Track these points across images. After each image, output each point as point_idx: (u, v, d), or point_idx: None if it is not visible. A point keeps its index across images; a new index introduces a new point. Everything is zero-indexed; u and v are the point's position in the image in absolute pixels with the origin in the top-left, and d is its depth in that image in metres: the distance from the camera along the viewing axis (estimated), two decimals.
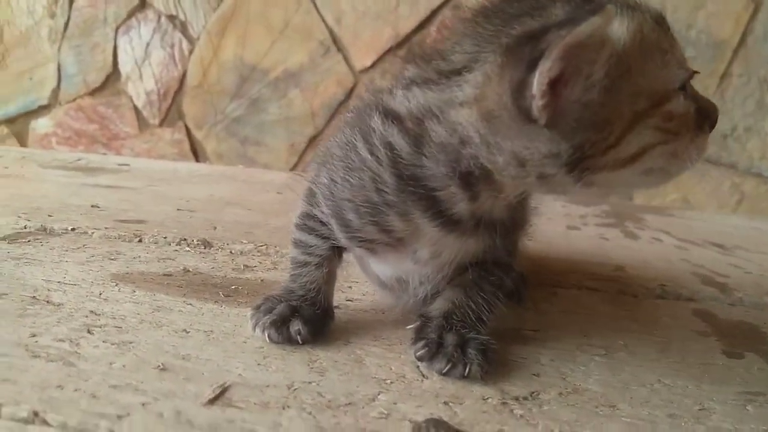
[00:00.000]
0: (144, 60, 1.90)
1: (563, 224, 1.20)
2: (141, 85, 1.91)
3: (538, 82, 0.42)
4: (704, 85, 1.60)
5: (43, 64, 1.95)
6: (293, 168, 1.84)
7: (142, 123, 1.93)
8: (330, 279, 0.60)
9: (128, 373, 0.49)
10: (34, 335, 0.55)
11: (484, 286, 0.56)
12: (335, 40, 1.80)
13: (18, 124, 1.99)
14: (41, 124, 1.98)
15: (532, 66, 0.42)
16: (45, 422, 0.42)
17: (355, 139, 0.53)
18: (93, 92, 1.94)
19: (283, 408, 0.45)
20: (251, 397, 0.47)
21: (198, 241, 0.88)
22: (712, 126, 0.49)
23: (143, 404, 0.44)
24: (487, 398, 0.49)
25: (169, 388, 0.47)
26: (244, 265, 0.80)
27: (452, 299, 0.56)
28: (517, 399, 0.49)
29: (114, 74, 1.92)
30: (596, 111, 0.44)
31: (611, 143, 0.44)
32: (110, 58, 1.91)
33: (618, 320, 0.69)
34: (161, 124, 1.91)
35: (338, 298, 0.67)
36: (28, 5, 1.92)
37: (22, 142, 1.99)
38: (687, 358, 0.60)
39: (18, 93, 1.97)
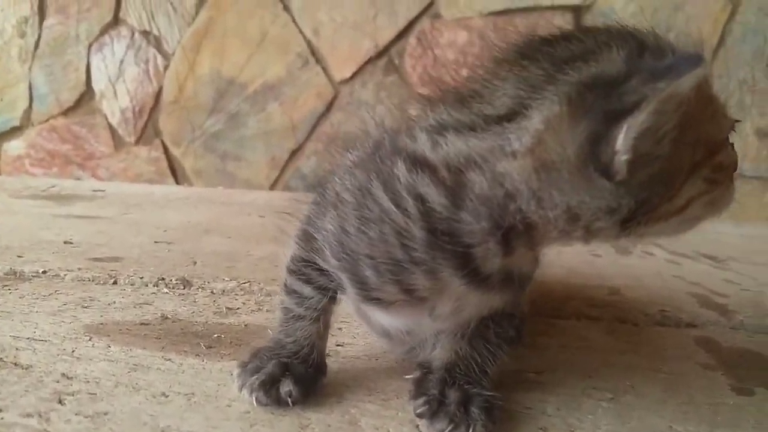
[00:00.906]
0: (118, 77, 1.84)
1: None
2: (116, 103, 1.85)
3: (626, 136, 0.38)
4: None
5: (14, 85, 1.88)
6: (274, 183, 1.80)
7: (117, 142, 1.87)
8: (325, 333, 0.56)
9: None
10: (0, 410, 0.50)
11: (489, 337, 0.52)
12: (313, 51, 1.75)
13: None
14: (13, 146, 1.91)
15: (612, 118, 0.38)
16: None
17: (372, 186, 0.47)
18: (66, 112, 1.87)
19: None
20: None
21: (177, 280, 0.83)
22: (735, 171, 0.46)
23: None
24: None
25: None
26: (226, 308, 0.75)
27: (455, 350, 0.52)
28: None
29: (87, 93, 1.86)
30: (664, 164, 0.40)
31: (671, 195, 0.41)
32: (83, 77, 1.85)
33: (621, 354, 0.65)
34: (137, 142, 1.85)
35: (328, 343, 0.63)
36: None
37: None
38: (695, 397, 0.57)
39: None
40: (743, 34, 1.58)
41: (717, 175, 0.43)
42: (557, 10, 1.64)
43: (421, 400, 0.50)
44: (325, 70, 1.76)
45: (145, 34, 1.79)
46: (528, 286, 0.52)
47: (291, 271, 0.56)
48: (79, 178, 1.85)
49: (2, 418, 0.48)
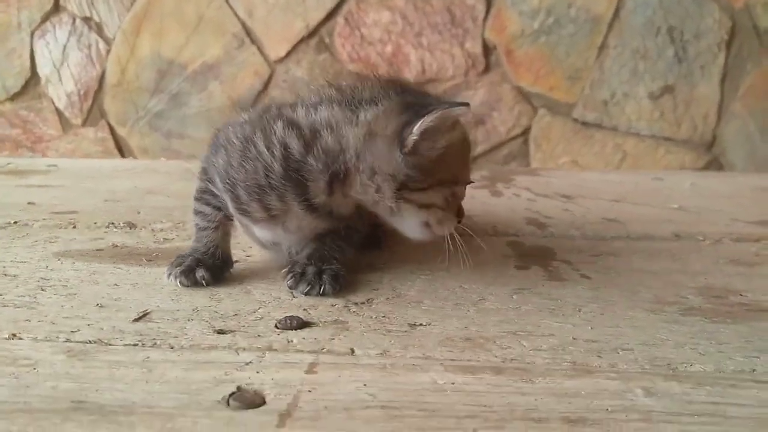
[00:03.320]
0: (62, 62, 2.08)
1: None
2: (61, 87, 2.09)
3: (419, 125, 0.73)
4: (584, 57, 1.92)
5: None
6: None
7: (65, 124, 2.11)
8: (225, 237, 0.86)
9: (75, 310, 0.74)
10: (0, 294, 0.78)
11: (334, 238, 0.84)
12: (248, 32, 2.02)
13: None
14: None
15: (419, 114, 0.73)
16: (20, 338, 0.66)
17: (255, 136, 0.78)
18: (13, 97, 2.10)
19: (188, 320, 0.71)
20: (165, 316, 0.72)
21: (124, 223, 1.12)
22: (460, 219, 0.85)
23: (88, 324, 0.69)
24: (335, 305, 0.76)
25: (107, 315, 0.72)
26: (163, 239, 1.05)
27: (313, 247, 0.83)
28: (356, 303, 0.77)
29: (33, 78, 2.09)
30: (426, 162, 0.76)
31: (422, 187, 0.77)
32: (28, 63, 2.08)
33: (451, 252, 0.97)
34: (84, 124, 2.10)
35: (240, 255, 0.93)
36: None
37: None
38: (487, 272, 0.89)
39: None
40: (635, 7, 1.91)
41: (451, 199, 0.80)
42: None
43: (289, 276, 0.81)
44: (260, 49, 2.03)
45: (86, 20, 2.04)
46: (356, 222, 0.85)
47: (196, 199, 0.87)
48: (32, 157, 2.10)
49: (3, 297, 0.77)
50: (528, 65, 1.97)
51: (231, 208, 0.82)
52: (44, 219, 1.14)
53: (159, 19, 2.03)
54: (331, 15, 1.99)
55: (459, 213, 0.85)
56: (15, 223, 1.12)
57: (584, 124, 1.97)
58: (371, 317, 0.73)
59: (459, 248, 0.82)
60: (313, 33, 2.01)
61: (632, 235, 1.11)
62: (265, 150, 0.77)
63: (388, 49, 2.00)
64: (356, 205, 0.81)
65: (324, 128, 0.76)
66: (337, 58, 2.01)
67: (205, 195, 0.85)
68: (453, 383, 0.57)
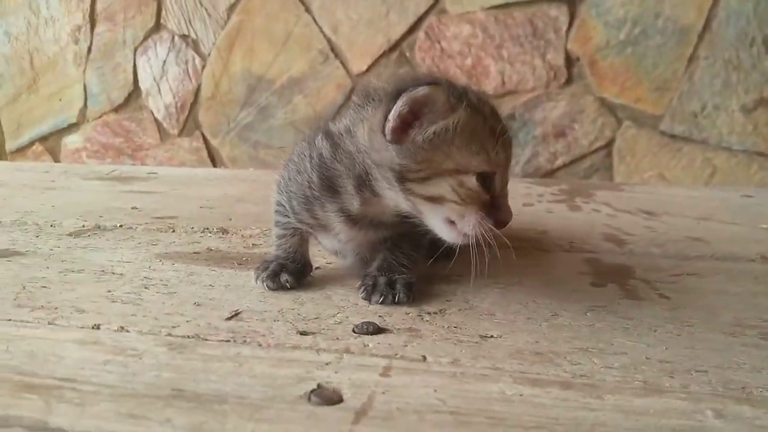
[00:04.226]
0: (162, 77, 2.25)
1: (520, 202, 1.50)
2: (160, 100, 2.26)
3: (393, 112, 0.74)
4: (673, 68, 1.87)
5: (71, 86, 2.31)
6: None
7: (163, 134, 2.28)
8: (303, 243, 0.92)
9: (175, 308, 0.81)
10: (109, 291, 0.88)
11: (403, 246, 0.87)
12: (333, 48, 2.11)
13: (51, 141, 2.36)
14: (72, 140, 2.35)
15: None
16: (128, 331, 0.74)
17: (305, 151, 0.86)
18: (117, 109, 2.29)
19: (274, 321, 0.77)
20: (254, 316, 0.79)
21: (217, 229, 1.21)
22: (498, 224, 0.77)
23: (187, 321, 0.77)
24: (408, 313, 0.80)
25: (202, 313, 0.79)
26: (252, 244, 1.12)
27: (382, 257, 0.88)
28: (429, 313, 0.80)
29: (135, 91, 2.27)
30: (420, 151, 0.75)
31: (422, 177, 0.75)
32: (131, 77, 2.26)
33: (524, 267, 0.99)
34: (180, 134, 2.26)
35: (320, 261, 0.99)
36: (54, 33, 2.28)
37: (56, 157, 2.36)
38: (561, 288, 0.90)
39: (49, 113, 2.34)
40: (727, 17, 1.85)
41: (461, 190, 0.74)
42: (553, 2, 1.95)
43: (361, 288, 0.85)
44: (343, 64, 2.11)
45: (184, 37, 2.20)
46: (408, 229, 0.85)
47: (275, 211, 0.94)
48: (133, 164, 2.28)
49: (113, 294, 0.86)
50: (613, 76, 1.94)
51: (291, 217, 0.88)
52: (146, 223, 1.25)
53: (250, 37, 2.15)
54: (412, 29, 2.05)
55: (497, 210, 0.77)
56: (121, 226, 1.23)
57: (672, 136, 1.91)
58: (443, 327, 0.76)
59: (484, 257, 0.75)
60: (394, 47, 2.07)
61: (716, 255, 1.08)
62: (308, 162, 0.84)
63: (468, 61, 2.03)
64: (396, 212, 0.82)
65: (345, 132, 0.81)
66: (417, 71, 2.05)
67: (279, 207, 0.92)
68: (521, 395, 0.60)
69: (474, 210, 0.75)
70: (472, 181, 0.75)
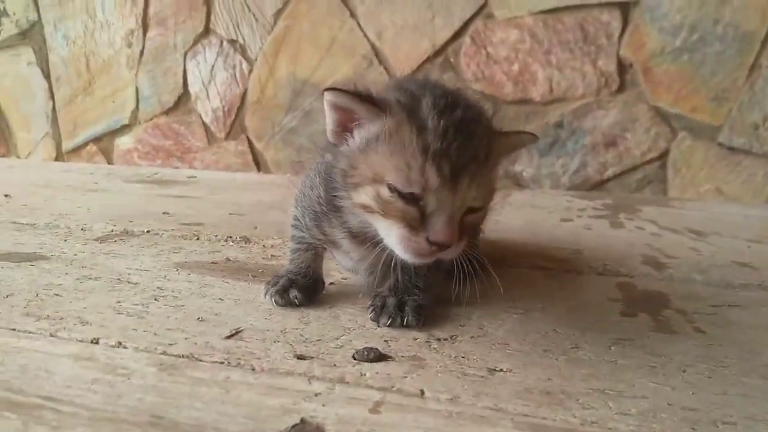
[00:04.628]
0: (210, 81, 2.27)
1: (559, 217, 1.42)
2: (208, 104, 2.28)
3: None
4: (732, 77, 1.74)
5: (123, 89, 2.36)
6: None
7: (210, 137, 2.30)
8: (317, 258, 0.88)
9: (178, 323, 0.79)
10: (119, 301, 0.86)
11: (417, 266, 0.80)
12: (377, 53, 2.07)
13: (104, 142, 2.43)
14: (124, 142, 2.40)
15: None
16: (125, 347, 0.72)
17: (317, 165, 0.82)
18: (167, 111, 2.33)
19: (274, 342, 0.74)
20: (255, 336, 0.75)
21: (240, 237, 1.19)
22: (432, 242, 0.67)
23: (185, 338, 0.74)
24: (417, 338, 0.75)
25: (204, 330, 0.77)
26: (271, 255, 1.10)
27: (395, 277, 0.82)
28: (438, 339, 0.75)
29: (184, 95, 2.30)
30: (353, 155, 0.72)
31: (353, 183, 0.71)
32: (180, 81, 2.29)
33: (550, 290, 0.92)
34: (227, 138, 2.28)
35: (335, 277, 0.95)
36: (108, 37, 2.34)
37: (108, 158, 2.42)
38: (587, 315, 0.83)
39: (103, 115, 2.40)
40: None
41: (379, 201, 0.68)
42: (605, 7, 1.85)
43: (370, 308, 0.81)
44: (387, 69, 2.07)
45: (232, 42, 2.21)
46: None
47: (292, 225, 0.90)
48: (177, 167, 2.31)
49: (120, 305, 0.85)
50: (668, 84, 1.82)
51: (304, 231, 0.85)
52: (173, 229, 1.25)
53: (296, 42, 2.14)
54: (457, 34, 1.99)
55: (429, 232, 0.67)
56: (148, 232, 1.23)
57: (731, 149, 1.78)
58: (450, 356, 0.70)
59: (466, 279, 0.72)
60: (439, 52, 2.01)
61: (764, 283, 0.98)
62: (317, 176, 0.81)
63: (515, 67, 1.95)
64: None
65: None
66: (461, 76, 2.00)
67: (295, 221, 0.89)
68: None
69: (396, 224, 0.68)
70: (386, 192, 0.68)
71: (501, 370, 0.68)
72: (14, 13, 2.37)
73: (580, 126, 1.92)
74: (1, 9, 2.38)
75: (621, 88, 1.87)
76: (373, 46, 2.07)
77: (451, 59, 2.01)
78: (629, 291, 0.94)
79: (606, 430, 0.56)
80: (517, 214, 1.43)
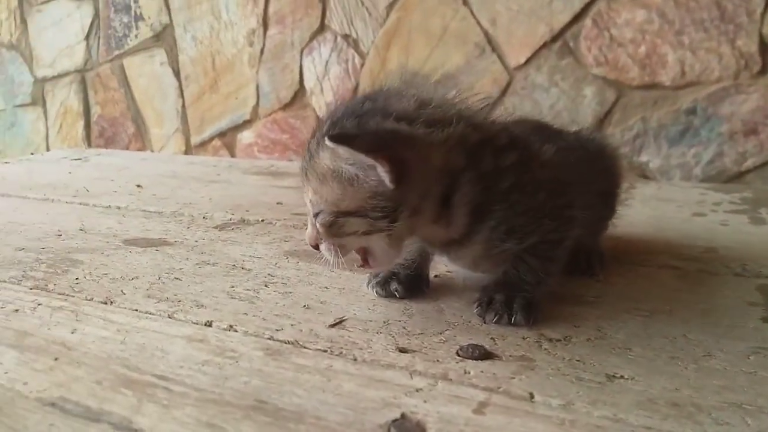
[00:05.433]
0: (324, 76, 2.31)
1: (690, 211, 1.29)
2: (322, 98, 2.33)
3: None
4: None
5: (245, 86, 2.47)
6: None
7: None
8: (423, 253, 0.85)
9: (286, 309, 0.80)
10: (232, 286, 0.89)
11: (527, 259, 0.75)
12: (490, 40, 2.01)
13: (228, 137, 2.55)
14: (245, 136, 2.51)
15: None
16: (235, 330, 0.74)
17: None
18: (284, 107, 2.40)
19: (376, 333, 0.72)
20: (358, 326, 0.74)
21: None
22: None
23: (291, 324, 0.75)
24: (526, 338, 0.70)
25: (309, 317, 0.77)
26: None
27: (504, 271, 0.77)
28: (550, 340, 0.70)
29: (300, 90, 2.36)
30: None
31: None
32: (297, 77, 2.36)
33: (679, 292, 0.83)
34: None
35: (440, 269, 0.92)
36: (232, 37, 2.45)
37: (231, 152, 2.54)
38: (722, 320, 0.73)
39: (227, 111, 2.53)
40: None
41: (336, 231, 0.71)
42: None
43: (476, 304, 0.77)
44: (500, 57, 2.01)
45: (346, 37, 2.24)
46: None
47: None
48: (292, 161, 2.39)
49: (234, 289, 0.87)
50: None
51: None
52: (285, 219, 1.28)
53: (407, 34, 2.13)
54: (578, 17, 1.88)
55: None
56: (262, 221, 1.27)
57: None
58: (563, 359, 0.65)
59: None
60: (556, 37, 1.91)
61: None
62: None
63: (642, 50, 1.81)
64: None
65: None
66: (581, 62, 1.89)
67: None
68: None
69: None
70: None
71: (621, 376, 0.61)
72: (149, 17, 2.55)
73: (715, 112, 1.75)
74: (138, 14, 2.57)
75: (763, 71, 1.68)
76: (485, 34, 2.01)
77: (570, 44, 1.90)
78: None
79: None
80: (643, 208, 1.32)
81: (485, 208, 0.71)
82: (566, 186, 0.76)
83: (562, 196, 0.75)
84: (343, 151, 0.65)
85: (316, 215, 0.72)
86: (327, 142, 0.64)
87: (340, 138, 0.64)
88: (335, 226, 0.71)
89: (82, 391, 0.60)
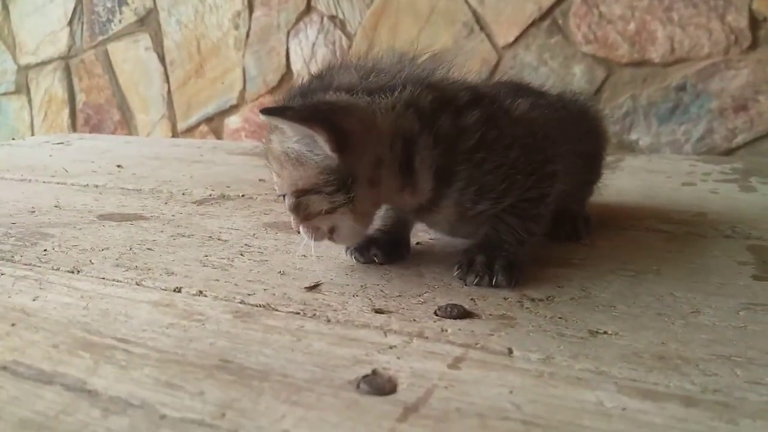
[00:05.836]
0: (311, 58, 2.27)
1: (679, 181, 1.26)
2: None
3: None
4: None
5: (232, 70, 2.42)
6: None
7: None
8: (403, 220, 0.81)
9: (259, 275, 0.77)
10: (206, 255, 0.86)
11: (507, 219, 0.72)
12: (478, 19, 1.98)
13: (215, 122, 2.50)
14: (232, 121, 2.47)
15: None
16: (204, 296, 0.70)
17: None
18: (271, 91, 2.36)
19: (353, 296, 0.69)
20: (334, 290, 0.71)
21: None
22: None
23: (264, 289, 0.72)
24: (507, 298, 0.67)
25: (283, 282, 0.74)
26: None
27: (484, 232, 0.75)
28: (532, 300, 0.67)
29: (287, 74, 2.32)
30: None
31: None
32: (284, 60, 2.31)
33: (668, 252, 0.80)
34: None
35: (423, 237, 0.89)
36: (217, 20, 2.40)
37: (219, 136, 2.50)
38: (711, 278, 0.71)
39: (213, 96, 2.48)
40: None
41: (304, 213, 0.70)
42: None
43: (456, 267, 0.73)
44: (489, 36, 1.97)
45: (332, 18, 2.19)
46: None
47: None
48: None
49: (207, 258, 0.84)
50: None
51: None
52: (266, 194, 1.24)
53: (395, 14, 2.09)
54: None
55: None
56: (243, 196, 1.24)
57: None
58: (545, 317, 0.62)
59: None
60: (545, 15, 1.88)
61: None
62: None
63: (631, 27, 1.78)
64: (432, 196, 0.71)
65: None
66: (570, 40, 1.86)
67: None
68: (624, 408, 0.45)
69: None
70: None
71: (605, 332, 0.58)
72: (133, 2, 2.50)
73: (705, 89, 1.72)
74: None
75: (753, 46, 1.65)
76: (474, 13, 1.97)
77: (559, 21, 1.87)
78: (763, 254, 0.80)
79: (732, 399, 0.46)
80: (632, 178, 1.29)
81: (449, 170, 0.68)
82: (544, 141, 0.73)
83: (539, 152, 0.72)
84: (283, 125, 0.66)
85: (283, 198, 0.72)
86: (260, 116, 0.64)
87: (271, 111, 0.65)
88: (301, 208, 0.70)
89: (36, 355, 0.56)
